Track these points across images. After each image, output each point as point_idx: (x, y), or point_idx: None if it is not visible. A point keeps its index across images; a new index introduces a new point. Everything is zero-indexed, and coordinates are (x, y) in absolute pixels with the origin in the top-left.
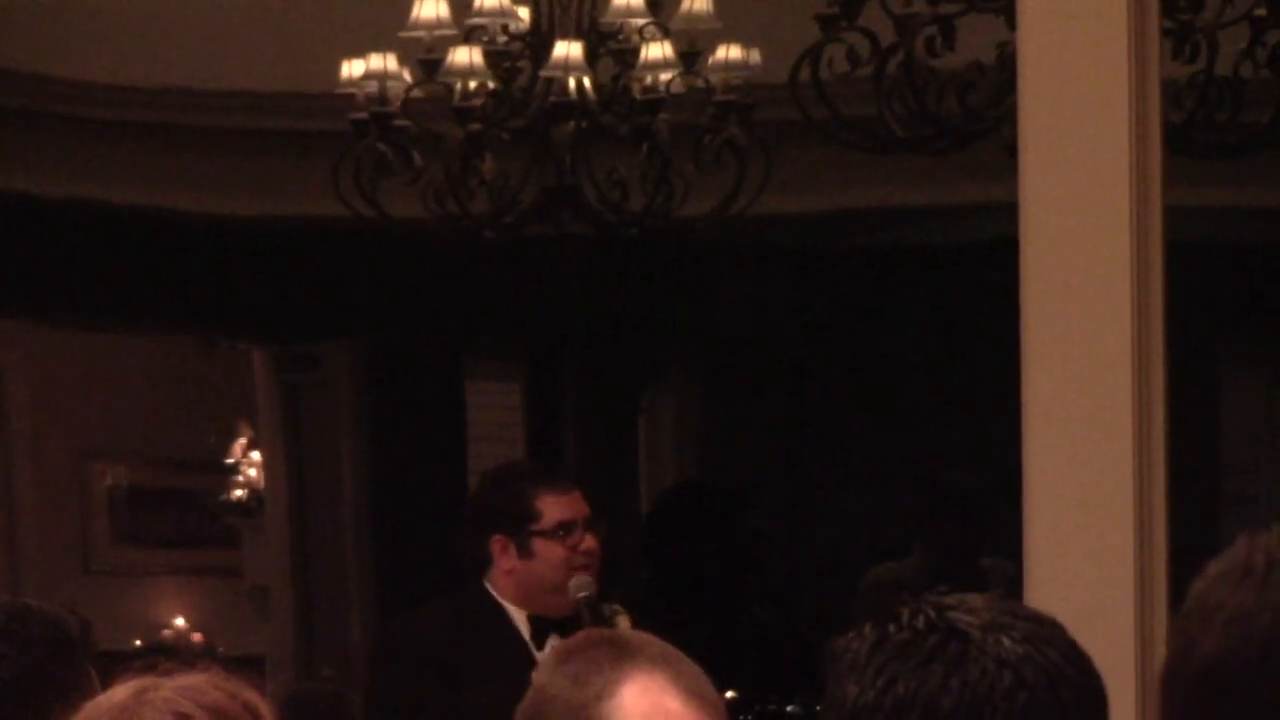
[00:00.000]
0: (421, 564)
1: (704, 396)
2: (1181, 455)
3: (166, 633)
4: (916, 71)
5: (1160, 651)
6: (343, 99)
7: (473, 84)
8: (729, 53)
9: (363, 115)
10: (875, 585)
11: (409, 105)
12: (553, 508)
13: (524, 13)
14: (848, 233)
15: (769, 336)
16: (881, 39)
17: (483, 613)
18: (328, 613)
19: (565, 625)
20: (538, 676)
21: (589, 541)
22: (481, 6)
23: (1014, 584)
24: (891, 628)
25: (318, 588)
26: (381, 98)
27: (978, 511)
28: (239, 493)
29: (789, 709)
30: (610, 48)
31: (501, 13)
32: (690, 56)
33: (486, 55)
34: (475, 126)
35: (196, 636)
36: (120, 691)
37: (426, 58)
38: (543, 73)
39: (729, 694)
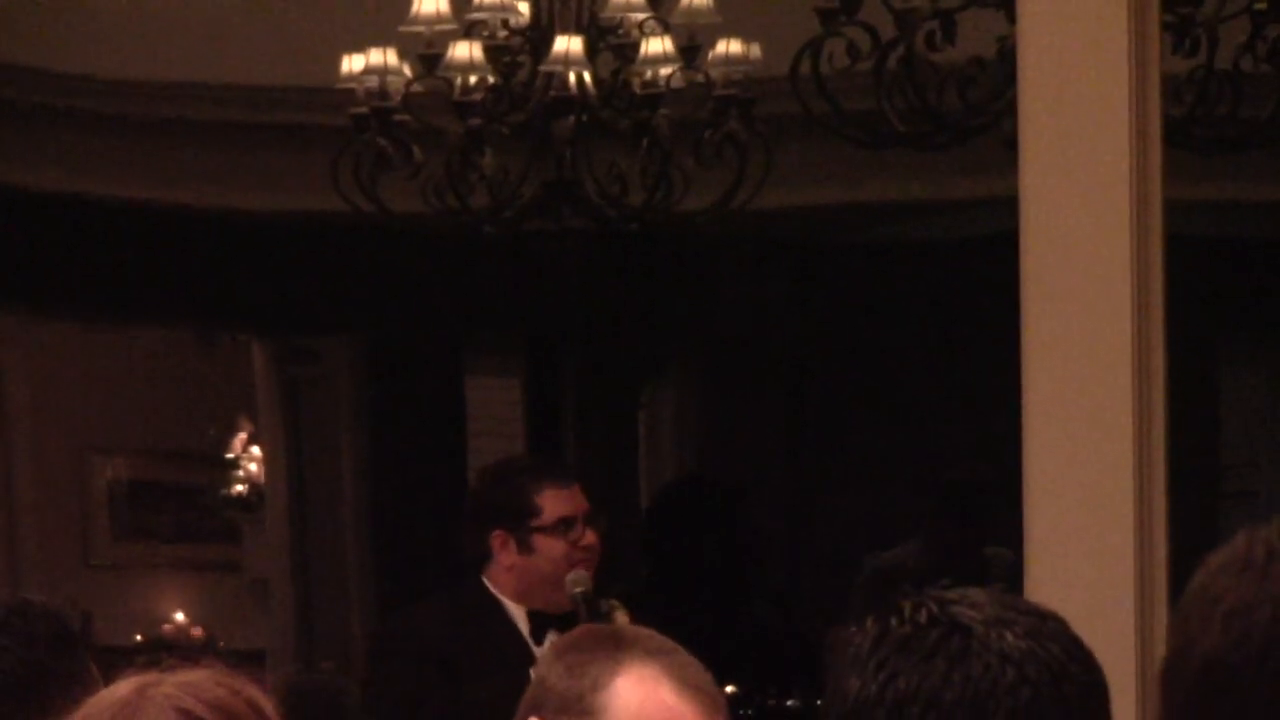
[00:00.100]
0: (421, 559)
1: (704, 392)
2: (1181, 452)
3: (167, 627)
4: (917, 66)
5: (1160, 649)
6: (343, 94)
7: (473, 79)
8: (729, 47)
9: (363, 110)
10: (876, 573)
11: (409, 100)
12: (553, 503)
13: (524, 7)
14: (848, 228)
15: (769, 332)
16: (882, 33)
17: (482, 608)
18: (328, 607)
19: (564, 621)
20: (538, 669)
21: (589, 537)
22: (481, 1)
23: (1015, 571)
24: (893, 622)
25: (318, 582)
26: (381, 92)
27: (978, 509)
28: (239, 488)
29: (789, 704)
30: (610, 42)
31: (501, 7)
32: (690, 51)
33: (486, 50)
34: (475, 121)
35: (197, 631)
36: (122, 687)
37: (426, 52)
38: (543, 67)
39: (729, 689)
